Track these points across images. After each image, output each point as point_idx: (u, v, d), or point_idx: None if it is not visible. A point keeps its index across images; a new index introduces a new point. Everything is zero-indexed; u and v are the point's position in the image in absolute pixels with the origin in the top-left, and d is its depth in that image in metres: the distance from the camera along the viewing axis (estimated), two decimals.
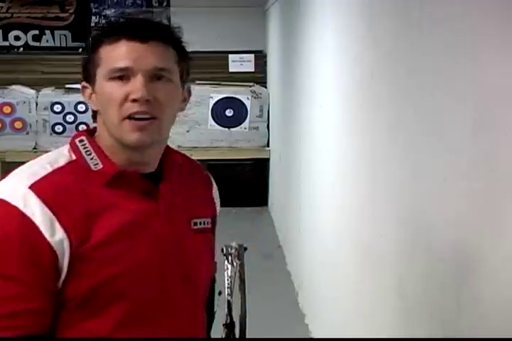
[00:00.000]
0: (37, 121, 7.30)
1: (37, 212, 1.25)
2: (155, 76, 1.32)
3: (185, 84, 1.42)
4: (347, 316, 2.86)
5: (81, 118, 7.21)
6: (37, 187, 1.27)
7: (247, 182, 7.29)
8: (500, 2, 1.37)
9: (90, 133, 1.40)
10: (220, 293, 1.59)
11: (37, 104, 7.29)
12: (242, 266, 1.56)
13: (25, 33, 7.87)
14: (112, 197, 1.33)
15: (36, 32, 7.88)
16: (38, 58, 7.56)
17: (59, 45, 7.91)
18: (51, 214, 1.26)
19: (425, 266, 1.81)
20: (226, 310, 1.63)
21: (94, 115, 1.39)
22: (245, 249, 1.58)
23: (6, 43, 7.86)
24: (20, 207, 1.25)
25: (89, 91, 1.36)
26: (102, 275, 1.29)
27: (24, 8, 7.81)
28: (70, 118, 7.27)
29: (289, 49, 5.26)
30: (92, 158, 1.35)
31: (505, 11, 1.33)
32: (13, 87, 7.25)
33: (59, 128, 7.28)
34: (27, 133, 7.29)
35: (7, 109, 7.25)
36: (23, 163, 1.34)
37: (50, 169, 1.31)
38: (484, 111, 1.42)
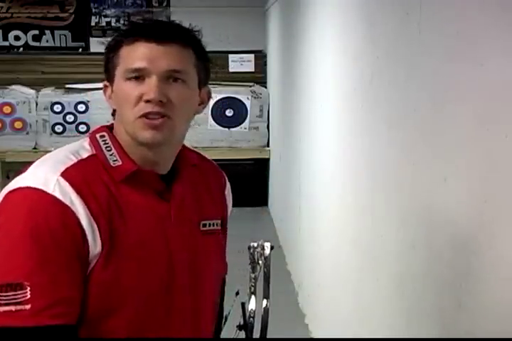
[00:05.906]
0: (37, 121, 7.30)
1: (74, 200, 1.26)
2: (170, 77, 1.33)
3: (205, 86, 1.43)
4: (347, 316, 2.86)
5: (81, 118, 7.22)
6: (68, 175, 1.28)
7: (247, 182, 7.28)
8: (499, 2, 1.37)
9: (110, 129, 1.41)
10: (237, 293, 1.56)
11: (37, 104, 7.29)
12: (268, 266, 1.52)
13: (25, 33, 7.87)
14: (129, 194, 1.34)
15: (36, 32, 7.88)
16: (38, 58, 7.56)
17: (59, 45, 7.91)
18: (83, 202, 1.27)
19: (425, 265, 1.81)
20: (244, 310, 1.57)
21: (114, 113, 1.40)
22: (272, 247, 1.53)
23: (6, 43, 7.86)
24: (57, 194, 1.25)
25: (110, 90, 1.38)
26: (115, 273, 1.29)
27: (24, 8, 7.81)
28: (70, 118, 7.27)
29: (289, 49, 5.26)
30: (111, 154, 1.35)
31: (504, 10, 1.33)
32: (13, 87, 7.25)
33: (59, 128, 7.28)
34: (27, 133, 7.29)
35: (7, 109, 7.25)
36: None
37: (75, 159, 1.32)
38: (484, 111, 1.42)
